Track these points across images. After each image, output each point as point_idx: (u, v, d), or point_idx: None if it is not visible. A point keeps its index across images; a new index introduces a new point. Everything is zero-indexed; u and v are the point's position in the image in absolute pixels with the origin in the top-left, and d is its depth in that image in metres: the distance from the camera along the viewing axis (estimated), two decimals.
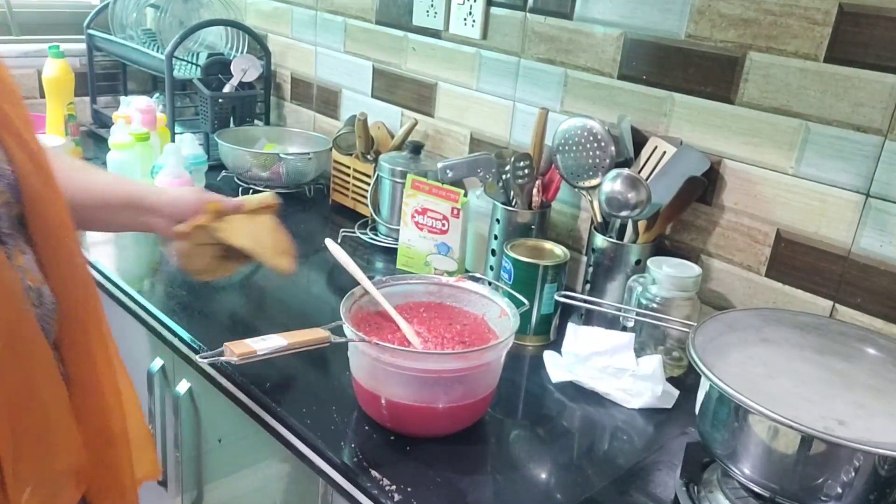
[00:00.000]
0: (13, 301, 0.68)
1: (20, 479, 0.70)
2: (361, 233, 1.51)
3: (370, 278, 1.00)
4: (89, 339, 0.78)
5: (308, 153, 1.67)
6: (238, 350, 0.80)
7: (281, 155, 1.64)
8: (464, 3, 1.44)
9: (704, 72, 1.13)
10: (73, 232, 0.77)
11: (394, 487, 0.83)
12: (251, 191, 1.65)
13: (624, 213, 1.11)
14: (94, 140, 1.98)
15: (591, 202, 1.20)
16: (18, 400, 0.68)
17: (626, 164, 1.19)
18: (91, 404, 0.80)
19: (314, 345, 0.86)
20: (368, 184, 1.53)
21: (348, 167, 1.60)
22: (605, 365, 1.04)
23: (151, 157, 1.60)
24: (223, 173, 1.73)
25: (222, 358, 0.81)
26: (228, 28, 1.94)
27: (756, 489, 0.78)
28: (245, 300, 1.20)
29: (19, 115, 0.76)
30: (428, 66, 1.57)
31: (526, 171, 1.23)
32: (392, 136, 1.61)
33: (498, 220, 1.25)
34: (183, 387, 1.17)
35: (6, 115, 0.74)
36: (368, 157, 1.56)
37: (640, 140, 1.22)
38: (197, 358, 0.84)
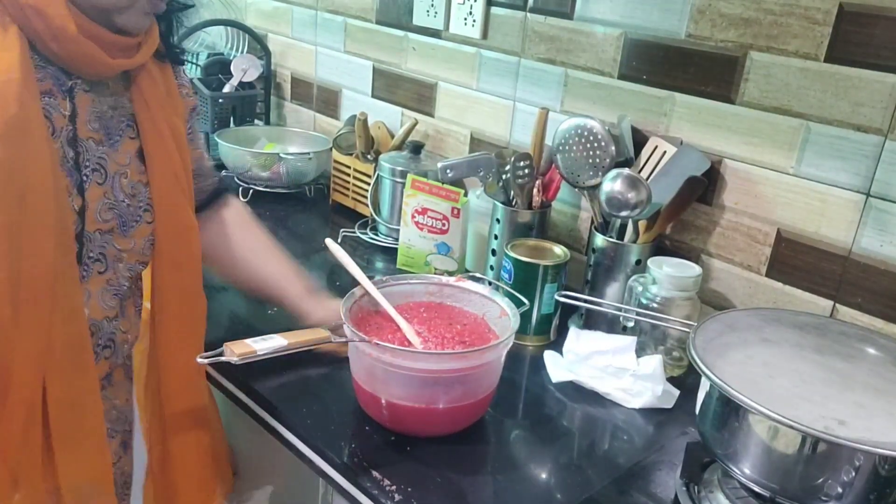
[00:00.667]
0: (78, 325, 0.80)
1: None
2: (361, 233, 1.51)
3: (370, 278, 1.00)
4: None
5: (308, 153, 1.67)
6: (238, 350, 0.80)
7: (281, 155, 1.64)
8: (464, 3, 1.44)
9: (705, 71, 1.13)
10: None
11: (394, 487, 0.82)
12: (251, 191, 1.65)
13: (624, 213, 1.11)
14: None
15: (592, 202, 1.20)
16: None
17: (627, 163, 1.19)
18: None
19: (314, 345, 0.86)
20: (369, 184, 1.53)
21: (348, 167, 1.60)
22: (606, 365, 1.04)
23: None
24: (223, 173, 1.73)
25: (222, 358, 0.81)
26: (229, 28, 1.94)
27: (756, 489, 0.78)
28: (244, 300, 1.20)
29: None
30: (428, 66, 1.57)
31: (526, 170, 1.23)
32: (392, 136, 1.61)
33: (498, 220, 1.25)
34: None
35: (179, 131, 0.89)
36: (368, 156, 1.56)
37: (640, 140, 1.22)
38: (197, 358, 0.84)
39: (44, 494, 0.80)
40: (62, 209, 0.76)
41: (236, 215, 1.08)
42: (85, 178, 0.80)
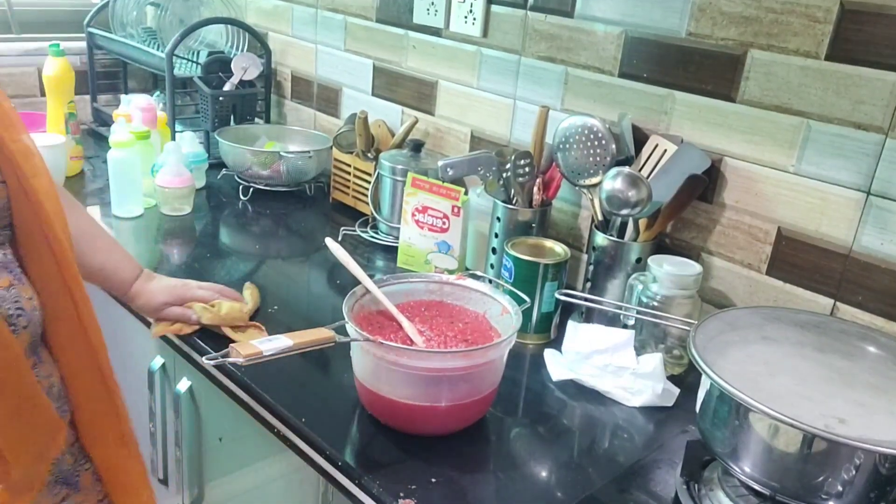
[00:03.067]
0: None
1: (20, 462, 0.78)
2: (362, 231, 1.51)
3: (371, 277, 1.00)
4: (75, 341, 0.84)
5: (308, 151, 1.67)
6: (244, 351, 0.80)
7: (281, 153, 1.64)
8: (464, 2, 1.44)
9: (705, 70, 1.13)
10: (59, 236, 0.82)
11: (395, 486, 0.83)
12: (251, 190, 1.65)
13: (624, 212, 1.11)
14: (94, 138, 1.98)
15: (592, 200, 1.20)
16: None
17: (627, 162, 1.19)
18: (101, 408, 0.88)
19: (319, 345, 0.86)
20: (369, 182, 1.53)
21: (349, 165, 1.60)
22: (606, 363, 1.04)
23: (152, 155, 1.60)
24: (223, 171, 1.73)
25: (228, 359, 0.81)
26: (229, 26, 1.94)
27: (756, 487, 0.78)
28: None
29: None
30: (428, 65, 1.57)
31: (526, 169, 1.23)
32: (392, 135, 1.61)
33: (498, 219, 1.25)
34: (184, 385, 1.17)
35: None
36: (369, 155, 1.56)
37: (640, 138, 1.22)
38: (203, 359, 0.84)
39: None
40: None
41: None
42: None
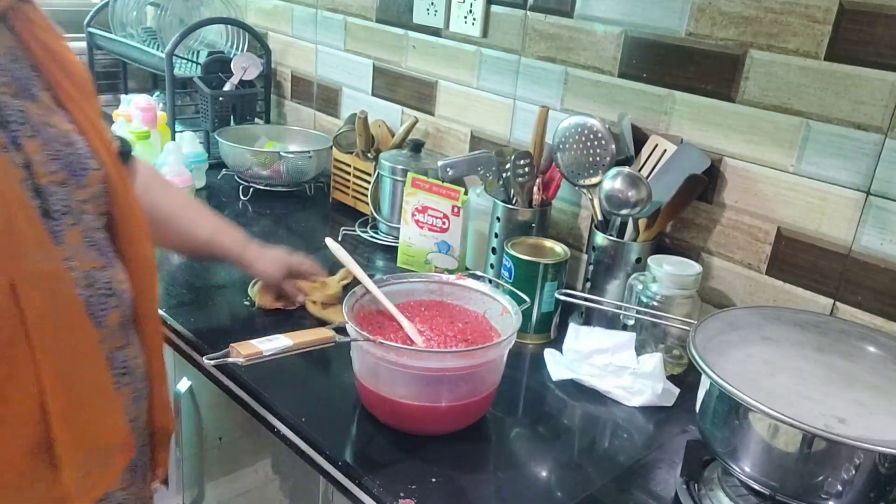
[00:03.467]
0: (62, 284, 0.74)
1: (74, 462, 0.76)
2: (362, 231, 1.51)
3: (371, 277, 1.00)
4: (150, 321, 0.87)
5: (308, 151, 1.67)
6: (244, 351, 0.80)
7: (281, 153, 1.64)
8: (464, 2, 1.44)
9: (705, 70, 1.13)
10: (146, 227, 0.87)
11: (395, 486, 0.83)
12: (251, 190, 1.65)
13: (624, 212, 1.11)
14: None
15: (592, 200, 1.20)
16: (68, 380, 0.74)
17: (627, 162, 1.19)
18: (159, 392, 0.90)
19: (319, 345, 0.86)
20: (369, 182, 1.53)
21: (349, 165, 1.60)
22: (606, 363, 1.04)
23: (152, 155, 1.60)
24: (223, 171, 1.74)
25: (229, 359, 0.81)
26: (229, 26, 1.94)
27: (756, 487, 0.78)
28: (243, 296, 1.20)
29: (94, 111, 0.84)
30: (428, 65, 1.57)
31: (526, 169, 1.23)
32: (392, 135, 1.61)
33: (498, 219, 1.25)
34: (184, 385, 1.17)
35: (87, 114, 0.82)
36: (369, 155, 1.56)
37: (640, 138, 1.22)
38: (203, 359, 0.84)
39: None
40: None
41: (153, 176, 1.06)
42: (15, 133, 0.74)
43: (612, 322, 1.15)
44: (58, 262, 0.75)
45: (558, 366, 1.07)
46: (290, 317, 1.16)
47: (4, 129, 0.74)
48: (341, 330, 0.88)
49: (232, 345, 0.82)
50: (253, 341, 0.82)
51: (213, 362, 0.81)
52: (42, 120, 0.78)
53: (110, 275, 0.82)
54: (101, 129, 0.84)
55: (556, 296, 1.12)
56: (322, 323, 1.12)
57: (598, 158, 1.18)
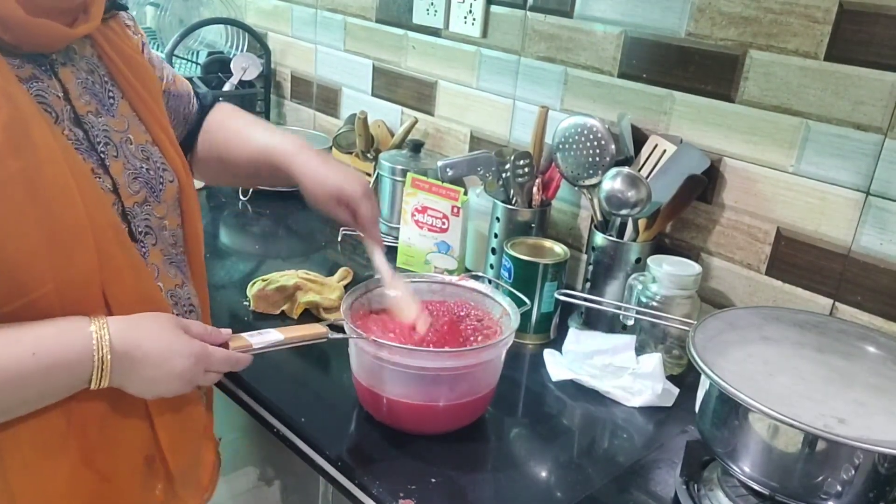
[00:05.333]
0: (159, 306, 0.78)
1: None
2: None
3: (370, 276, 1.00)
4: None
5: None
6: (233, 344, 0.80)
7: None
8: (464, 2, 1.44)
9: (705, 70, 1.13)
10: (202, 234, 0.90)
11: (395, 486, 0.83)
12: (251, 190, 1.65)
13: (624, 212, 1.11)
14: None
15: (592, 200, 1.20)
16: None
17: (627, 162, 1.19)
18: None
19: (311, 340, 0.85)
20: (368, 182, 1.53)
21: (349, 165, 1.59)
22: (606, 363, 1.04)
23: None
24: None
25: None
26: (228, 26, 1.94)
27: (756, 487, 0.78)
28: (243, 296, 1.20)
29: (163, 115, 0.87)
30: (428, 65, 1.57)
31: (526, 169, 1.23)
32: (392, 135, 1.61)
33: (498, 219, 1.25)
34: None
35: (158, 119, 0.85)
36: (368, 155, 1.56)
37: (640, 138, 1.22)
38: None
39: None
40: (94, 196, 0.72)
41: (223, 112, 1.05)
42: (103, 154, 0.76)
43: (611, 322, 1.15)
44: (151, 284, 0.78)
45: (558, 366, 1.07)
46: (289, 319, 1.16)
47: (94, 152, 0.75)
48: (337, 327, 0.88)
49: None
50: (243, 334, 0.82)
51: None
52: (122, 137, 0.80)
53: (188, 291, 0.86)
54: (170, 132, 0.86)
55: (556, 296, 1.12)
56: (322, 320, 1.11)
57: (597, 159, 1.18)
